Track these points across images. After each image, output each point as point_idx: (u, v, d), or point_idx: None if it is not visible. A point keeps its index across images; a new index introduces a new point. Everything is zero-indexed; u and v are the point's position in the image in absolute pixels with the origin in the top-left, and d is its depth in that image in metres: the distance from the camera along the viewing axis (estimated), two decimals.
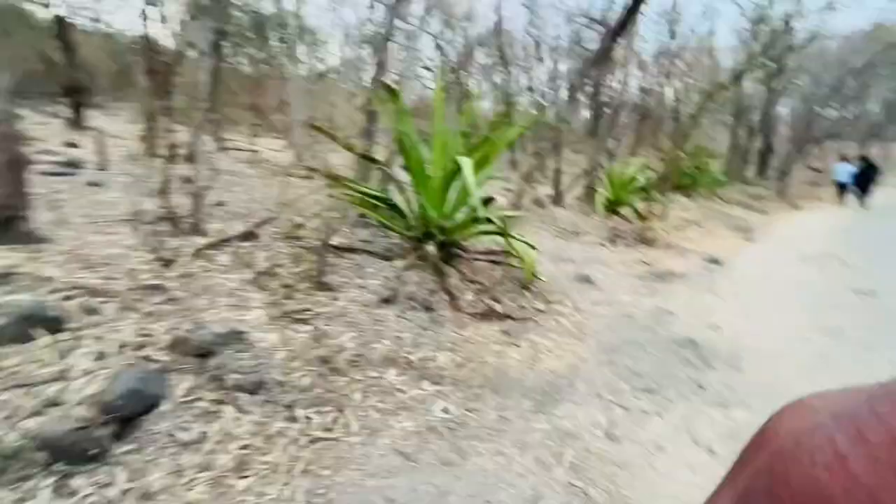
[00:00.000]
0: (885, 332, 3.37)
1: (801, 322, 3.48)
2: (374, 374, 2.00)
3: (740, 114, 14.04)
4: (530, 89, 10.88)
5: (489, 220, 3.71)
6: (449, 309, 3.17)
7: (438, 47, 13.37)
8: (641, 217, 6.78)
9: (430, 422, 1.79)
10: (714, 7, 10.70)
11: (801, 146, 14.89)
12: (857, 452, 0.21)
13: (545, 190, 6.94)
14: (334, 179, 3.34)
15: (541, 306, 3.37)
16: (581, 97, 5.79)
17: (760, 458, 0.27)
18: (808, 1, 10.72)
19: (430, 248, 3.38)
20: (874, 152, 16.31)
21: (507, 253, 3.91)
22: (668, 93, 11.67)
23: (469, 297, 3.39)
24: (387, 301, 2.88)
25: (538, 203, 6.07)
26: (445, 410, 1.89)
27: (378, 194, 3.28)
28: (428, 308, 3.11)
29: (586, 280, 3.86)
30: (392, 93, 3.08)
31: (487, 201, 3.40)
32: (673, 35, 10.20)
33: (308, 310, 2.43)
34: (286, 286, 2.67)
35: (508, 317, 3.21)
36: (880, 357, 2.93)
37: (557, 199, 6.42)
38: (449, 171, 3.43)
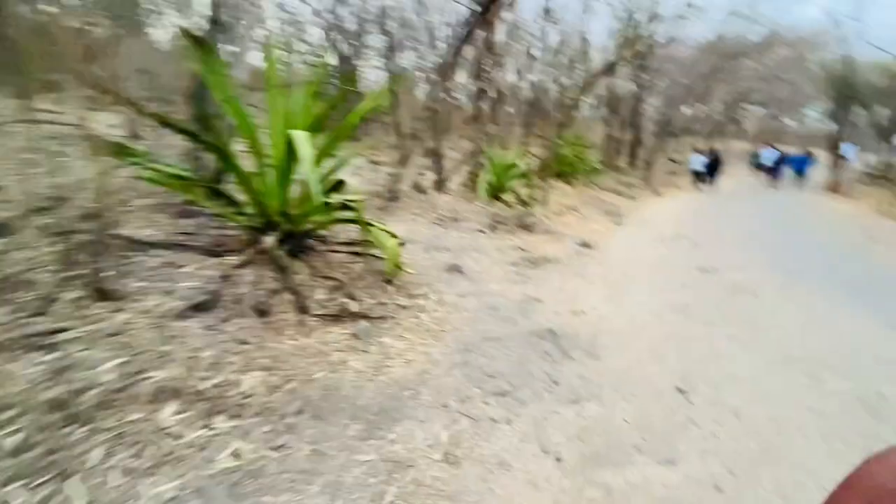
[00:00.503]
0: (723, 307, 3.62)
1: (654, 301, 3.61)
2: (138, 416, 1.47)
3: (614, 108, 15.23)
4: (418, 70, 10.51)
5: (346, 207, 3.28)
6: (294, 312, 2.69)
7: (324, 23, 12.36)
8: (523, 203, 6.84)
9: (203, 477, 1.32)
10: (590, 5, 11.24)
11: (663, 139, 16.67)
12: None
13: (431, 175, 6.65)
14: (133, 156, 2.62)
15: (403, 302, 3.04)
16: (456, 79, 5.60)
17: (854, 497, 0.27)
18: (665, 8, 11.82)
19: (270, 239, 2.84)
20: (719, 146, 18.95)
21: (367, 243, 3.51)
22: (551, 84, 12.15)
23: (320, 295, 2.93)
24: (200, 308, 2.31)
25: (418, 189, 5.76)
26: (236, 455, 1.44)
27: (190, 175, 2.64)
28: (263, 313, 2.60)
29: (457, 270, 3.62)
30: (200, 45, 2.45)
31: (338, 185, 2.96)
32: (552, 23, 10.58)
33: (63, 330, 1.79)
34: (42, 298, 1.97)
35: (364, 316, 2.82)
36: (720, 332, 3.10)
37: (440, 185, 6.17)
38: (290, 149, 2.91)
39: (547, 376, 2.22)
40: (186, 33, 2.45)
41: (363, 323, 2.72)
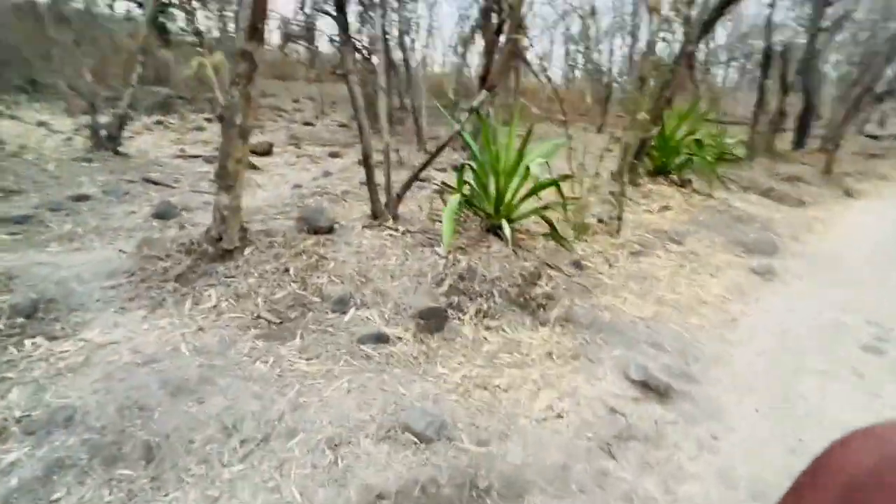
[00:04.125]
0: None
1: None
2: None
3: (770, 64, 10.22)
4: None
5: None
6: None
7: None
8: (557, 238, 3.59)
9: None
10: None
11: (855, 107, 10.92)
12: None
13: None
14: None
15: None
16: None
17: (827, 493, 0.24)
18: None
19: None
20: None
21: None
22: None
23: None
24: None
25: (312, 227, 2.96)
26: None
27: None
28: None
29: None
30: None
31: None
32: None
33: None
34: None
35: None
36: None
37: (379, 212, 3.29)
38: None
39: None
40: None
41: None
